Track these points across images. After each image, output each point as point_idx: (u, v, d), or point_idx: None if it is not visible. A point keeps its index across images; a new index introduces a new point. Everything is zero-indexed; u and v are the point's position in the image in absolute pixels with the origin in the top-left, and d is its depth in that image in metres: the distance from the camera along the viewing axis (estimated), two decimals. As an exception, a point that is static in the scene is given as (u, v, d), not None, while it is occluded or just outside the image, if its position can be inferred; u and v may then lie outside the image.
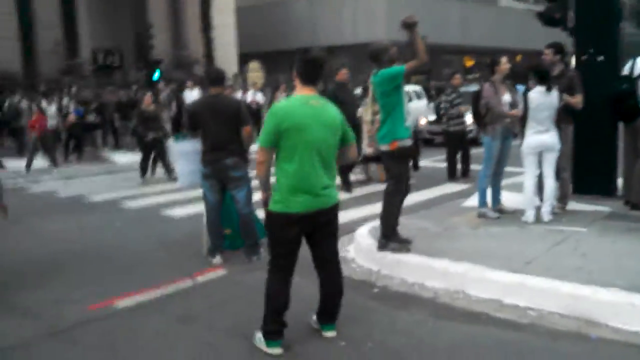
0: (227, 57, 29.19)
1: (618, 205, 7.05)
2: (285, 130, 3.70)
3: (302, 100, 3.81)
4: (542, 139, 6.40)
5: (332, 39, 29.94)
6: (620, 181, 7.48)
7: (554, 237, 5.84)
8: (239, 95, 17.77)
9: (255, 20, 33.39)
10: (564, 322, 4.24)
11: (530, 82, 6.52)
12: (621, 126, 7.26)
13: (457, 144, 10.54)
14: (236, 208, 6.04)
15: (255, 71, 21.42)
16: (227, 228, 6.26)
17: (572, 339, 4.01)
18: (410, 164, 7.26)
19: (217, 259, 5.94)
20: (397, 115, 5.40)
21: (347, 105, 8.50)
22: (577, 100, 6.63)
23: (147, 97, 12.14)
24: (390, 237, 5.58)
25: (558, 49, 6.85)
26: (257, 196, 4.84)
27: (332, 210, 3.93)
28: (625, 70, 6.97)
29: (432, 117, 14.86)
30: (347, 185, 9.66)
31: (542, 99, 6.32)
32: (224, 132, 5.81)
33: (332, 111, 3.89)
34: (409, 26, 5.20)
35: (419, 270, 5.19)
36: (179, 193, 9.55)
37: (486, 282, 4.82)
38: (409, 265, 5.28)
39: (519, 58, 32.23)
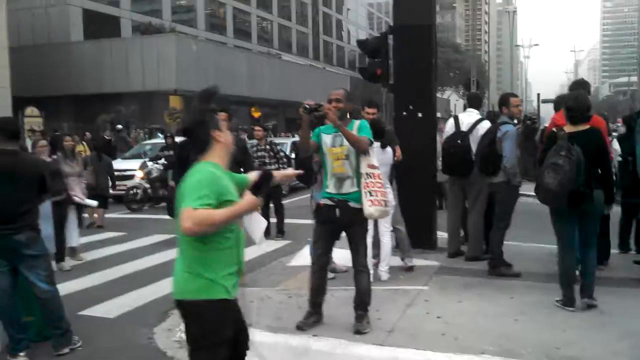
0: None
1: (443, 258, 7.20)
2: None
3: None
4: (378, 196, 6.25)
5: (118, 86, 28.31)
6: (440, 234, 7.70)
7: (401, 298, 5.65)
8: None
9: (33, 62, 30.37)
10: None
11: None
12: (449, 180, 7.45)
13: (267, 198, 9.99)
14: (34, 292, 4.91)
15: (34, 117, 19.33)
16: (29, 316, 5.06)
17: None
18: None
19: (22, 358, 4.71)
20: None
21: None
22: (398, 153, 6.64)
23: None
24: None
25: (379, 106, 6.92)
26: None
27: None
28: (449, 127, 7.18)
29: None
30: None
31: (379, 155, 6.20)
32: (18, 200, 4.73)
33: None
34: (308, 111, 4.67)
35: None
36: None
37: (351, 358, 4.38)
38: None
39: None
